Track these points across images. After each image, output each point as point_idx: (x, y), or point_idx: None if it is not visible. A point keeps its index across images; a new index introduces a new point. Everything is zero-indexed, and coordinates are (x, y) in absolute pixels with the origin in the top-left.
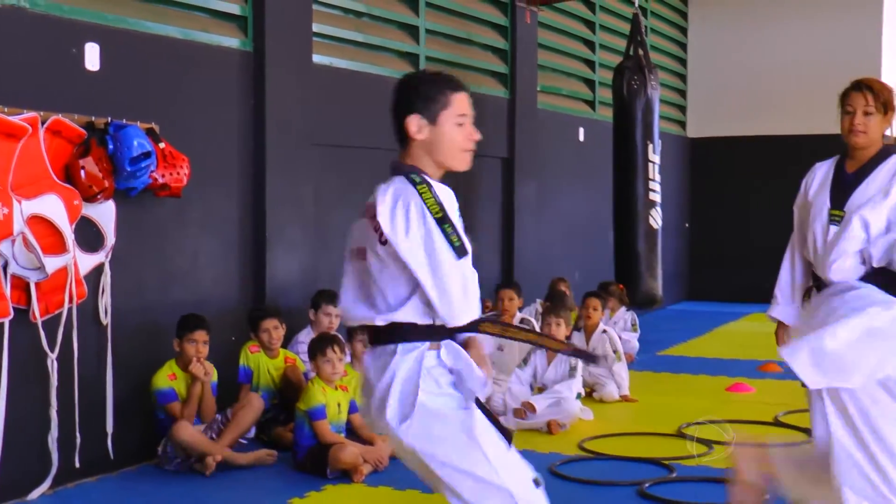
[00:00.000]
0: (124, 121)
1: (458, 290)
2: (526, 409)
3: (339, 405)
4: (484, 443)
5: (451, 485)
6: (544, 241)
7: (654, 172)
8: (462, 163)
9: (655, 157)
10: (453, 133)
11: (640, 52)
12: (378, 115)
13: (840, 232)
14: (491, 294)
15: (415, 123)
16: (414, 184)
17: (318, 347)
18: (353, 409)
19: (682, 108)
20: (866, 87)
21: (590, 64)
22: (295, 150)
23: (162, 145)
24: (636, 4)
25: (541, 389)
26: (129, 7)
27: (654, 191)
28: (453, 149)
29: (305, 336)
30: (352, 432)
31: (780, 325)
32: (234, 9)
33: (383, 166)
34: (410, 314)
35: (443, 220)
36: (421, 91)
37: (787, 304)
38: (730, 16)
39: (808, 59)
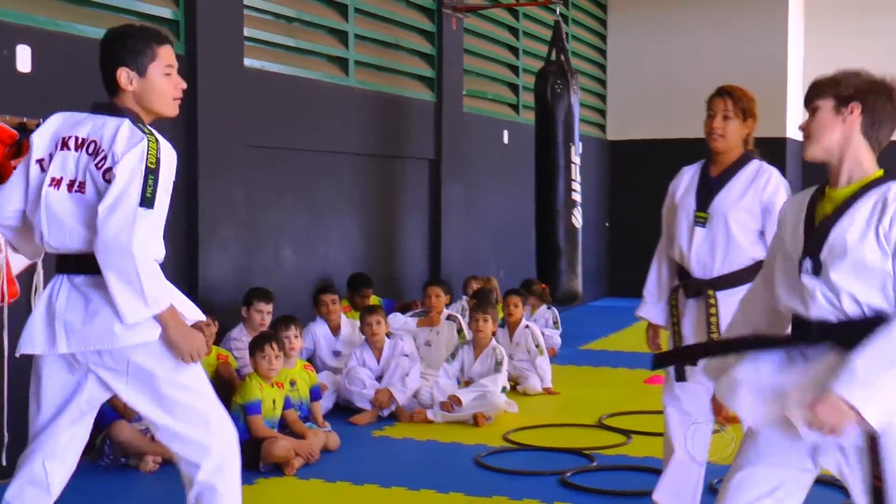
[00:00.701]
0: None
1: (125, 234)
2: (452, 403)
3: (274, 402)
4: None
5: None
6: (470, 240)
7: (576, 173)
8: (171, 109)
9: (577, 159)
10: (162, 83)
11: (562, 57)
12: (308, 117)
13: (704, 233)
14: (419, 292)
15: (125, 76)
16: (144, 133)
17: (256, 345)
18: (286, 405)
19: (602, 112)
20: (727, 92)
21: (514, 69)
22: (227, 151)
23: None
24: (558, 12)
25: (468, 383)
26: (61, 9)
27: (575, 191)
28: (164, 97)
29: (238, 333)
30: (284, 427)
31: (650, 324)
32: (167, 13)
33: (314, 167)
34: None
35: (150, 172)
36: (129, 45)
37: (654, 303)
38: (647, 25)
39: (720, 67)
